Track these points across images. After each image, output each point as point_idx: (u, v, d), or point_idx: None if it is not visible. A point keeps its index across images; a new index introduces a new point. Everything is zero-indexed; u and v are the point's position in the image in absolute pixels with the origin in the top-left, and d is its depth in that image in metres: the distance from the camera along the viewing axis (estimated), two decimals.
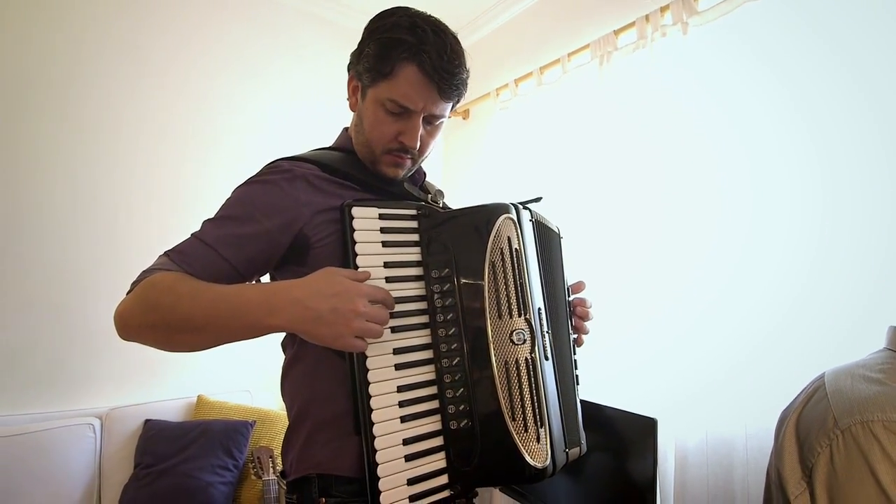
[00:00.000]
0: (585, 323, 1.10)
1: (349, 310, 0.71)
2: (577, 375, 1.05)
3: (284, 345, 0.96)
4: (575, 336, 1.08)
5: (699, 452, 1.81)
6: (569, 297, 1.10)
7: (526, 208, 0.97)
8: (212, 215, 0.87)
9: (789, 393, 1.02)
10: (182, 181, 2.53)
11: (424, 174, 1.09)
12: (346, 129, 1.04)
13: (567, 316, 1.07)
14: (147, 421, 2.25)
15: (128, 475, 2.14)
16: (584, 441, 1.01)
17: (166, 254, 0.81)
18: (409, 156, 0.94)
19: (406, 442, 0.80)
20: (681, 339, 1.86)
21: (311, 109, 2.91)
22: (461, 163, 3.22)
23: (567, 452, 0.90)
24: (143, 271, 0.79)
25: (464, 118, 3.18)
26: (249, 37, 2.77)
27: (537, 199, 1.03)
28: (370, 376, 0.80)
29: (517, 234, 0.89)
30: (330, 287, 0.73)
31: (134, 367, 2.38)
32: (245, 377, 2.59)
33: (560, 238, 1.10)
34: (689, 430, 1.83)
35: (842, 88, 1.49)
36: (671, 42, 1.97)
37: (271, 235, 0.85)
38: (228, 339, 0.75)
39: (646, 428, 1.56)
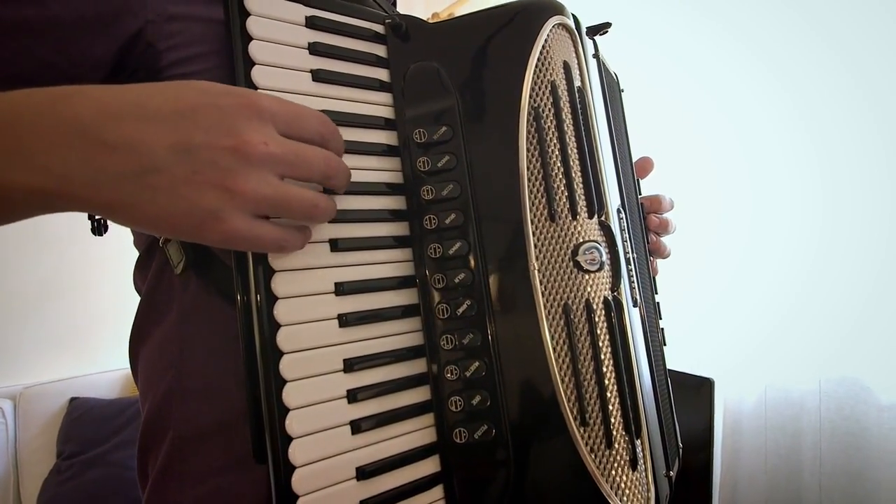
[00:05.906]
0: (663, 239, 0.68)
1: (230, 147, 0.29)
2: (662, 329, 0.63)
3: (136, 280, 0.52)
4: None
5: (755, 416, 1.47)
6: (639, 192, 0.67)
7: (590, 38, 0.54)
8: None
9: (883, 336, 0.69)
10: None
11: None
12: None
13: (642, 225, 0.63)
14: (72, 399, 1.85)
15: (50, 467, 1.74)
16: (681, 444, 0.60)
17: None
18: None
19: (363, 474, 0.38)
20: (736, 272, 1.50)
21: None
22: None
23: (670, 477, 0.49)
24: None
25: None
26: None
27: (604, 28, 0.58)
28: (284, 340, 0.37)
29: (580, 62, 0.46)
30: (180, 97, 0.30)
31: (55, 334, 1.96)
32: None
33: (621, 92, 0.66)
34: (743, 387, 1.49)
35: (840, 86, 1.34)
36: None
37: (66, 34, 0.38)
38: None
39: (697, 389, 1.31)
